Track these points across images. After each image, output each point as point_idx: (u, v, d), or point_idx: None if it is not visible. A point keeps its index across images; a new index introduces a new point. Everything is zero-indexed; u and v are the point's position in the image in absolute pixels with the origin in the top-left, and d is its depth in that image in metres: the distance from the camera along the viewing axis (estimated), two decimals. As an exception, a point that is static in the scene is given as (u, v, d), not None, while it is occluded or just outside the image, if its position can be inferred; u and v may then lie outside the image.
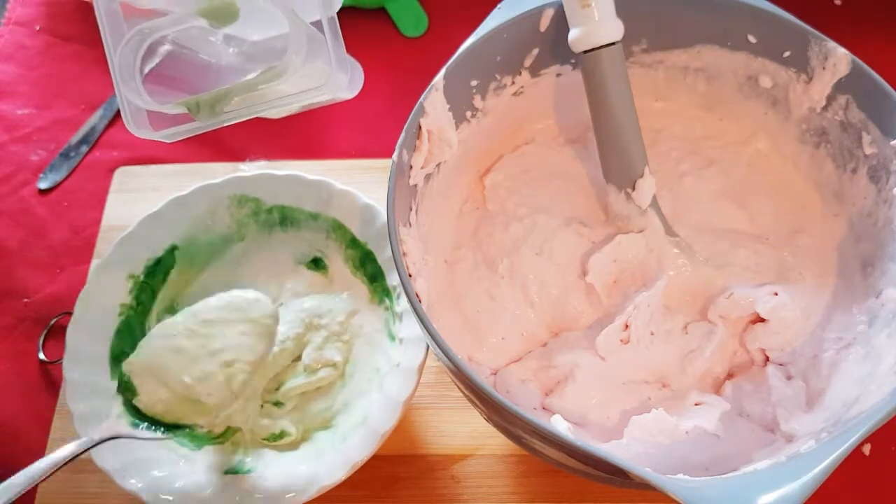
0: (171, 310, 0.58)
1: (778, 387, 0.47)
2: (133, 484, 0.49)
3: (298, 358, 0.55)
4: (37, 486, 0.56)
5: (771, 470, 0.38)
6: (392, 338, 0.55)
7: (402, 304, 0.54)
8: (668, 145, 0.56)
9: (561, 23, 0.50)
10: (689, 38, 0.53)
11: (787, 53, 0.51)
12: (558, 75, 0.54)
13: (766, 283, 0.50)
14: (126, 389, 0.49)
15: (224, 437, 0.54)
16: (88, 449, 0.47)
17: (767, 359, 0.49)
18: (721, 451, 0.44)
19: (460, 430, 0.57)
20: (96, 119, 0.73)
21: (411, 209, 0.48)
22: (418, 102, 0.47)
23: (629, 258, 0.51)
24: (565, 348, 0.49)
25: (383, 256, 0.56)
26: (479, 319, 0.50)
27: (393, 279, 0.56)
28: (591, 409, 0.47)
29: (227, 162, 0.69)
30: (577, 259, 0.51)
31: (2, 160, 0.71)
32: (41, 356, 0.61)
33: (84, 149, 0.71)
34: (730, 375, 0.49)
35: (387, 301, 0.56)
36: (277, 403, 0.55)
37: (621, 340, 0.48)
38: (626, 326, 0.48)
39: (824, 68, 0.49)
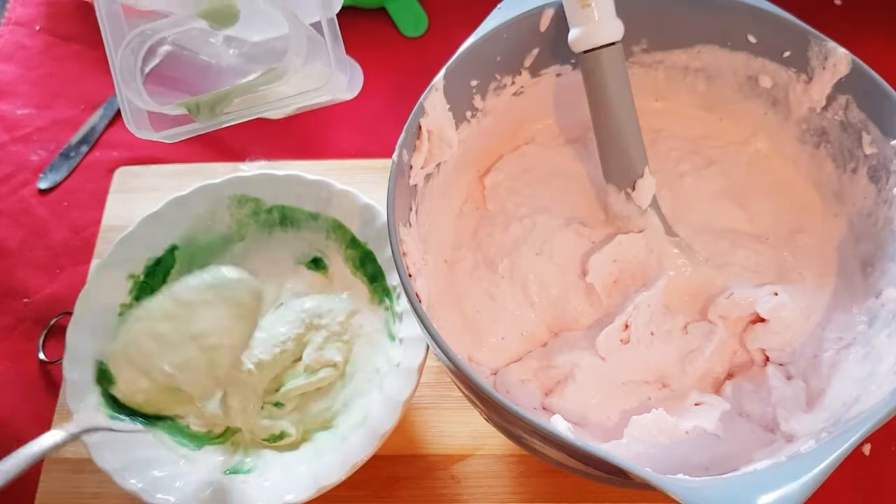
0: None
1: (778, 387, 0.47)
2: (133, 484, 0.49)
3: (299, 359, 0.55)
4: (37, 486, 0.56)
5: (771, 470, 0.38)
6: (392, 338, 0.55)
7: (402, 304, 0.54)
8: (668, 145, 0.56)
9: (561, 23, 0.50)
10: (689, 38, 0.53)
11: (787, 53, 0.51)
12: (558, 75, 0.54)
13: (766, 283, 0.50)
14: (103, 379, 0.47)
15: (224, 437, 0.54)
16: (64, 444, 0.44)
17: (767, 359, 0.49)
18: (721, 451, 0.44)
19: (460, 430, 0.57)
20: (96, 119, 0.73)
21: (411, 209, 0.48)
22: (418, 102, 0.47)
23: (629, 258, 0.51)
24: (565, 348, 0.49)
25: (383, 256, 0.56)
26: (479, 319, 0.50)
27: (393, 279, 0.56)
28: (591, 409, 0.47)
29: (227, 162, 0.69)
30: (577, 259, 0.51)
31: (2, 160, 0.71)
32: (41, 356, 0.61)
33: (84, 149, 0.71)
34: (730, 375, 0.49)
35: (387, 301, 0.56)
36: (278, 404, 0.55)
37: (621, 340, 0.48)
38: (626, 326, 0.48)
39: (824, 68, 0.49)
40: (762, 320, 0.49)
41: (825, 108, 0.51)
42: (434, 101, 0.47)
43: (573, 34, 0.49)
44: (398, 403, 0.50)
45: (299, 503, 0.48)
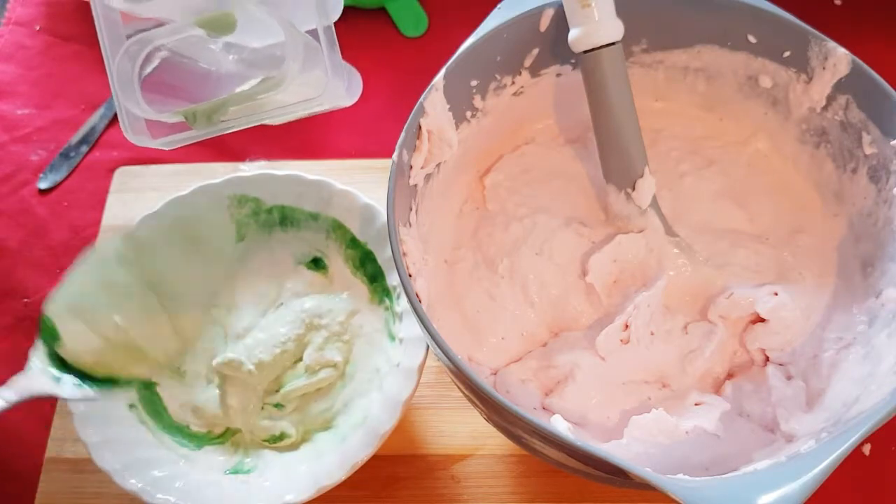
0: None
1: (778, 387, 0.47)
2: (133, 484, 0.49)
3: (299, 359, 0.55)
4: (37, 486, 0.56)
5: (771, 470, 0.38)
6: (392, 338, 0.55)
7: (402, 304, 0.54)
8: (668, 145, 0.56)
9: (561, 23, 0.50)
10: (689, 38, 0.53)
11: (787, 53, 0.51)
12: (558, 75, 0.54)
13: (766, 283, 0.50)
14: (48, 335, 0.39)
15: (224, 437, 0.54)
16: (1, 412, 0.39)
17: (767, 359, 0.49)
18: (721, 451, 0.44)
19: (460, 430, 0.57)
20: (96, 119, 0.73)
21: (411, 209, 0.48)
22: (418, 102, 0.47)
23: (629, 258, 0.51)
24: (565, 348, 0.49)
25: (383, 256, 0.56)
26: (479, 319, 0.50)
27: (393, 279, 0.56)
28: (591, 409, 0.47)
29: (227, 162, 0.69)
30: (577, 259, 0.51)
31: (2, 160, 0.71)
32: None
33: (84, 149, 0.71)
34: (730, 375, 0.49)
35: (387, 301, 0.56)
36: (278, 405, 0.55)
37: (621, 340, 0.48)
38: (626, 326, 0.48)
39: (824, 68, 0.49)
40: (762, 320, 0.49)
41: (825, 108, 0.51)
42: (434, 101, 0.47)
43: (573, 34, 0.49)
44: (398, 403, 0.50)
45: (299, 503, 0.48)
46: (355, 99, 0.44)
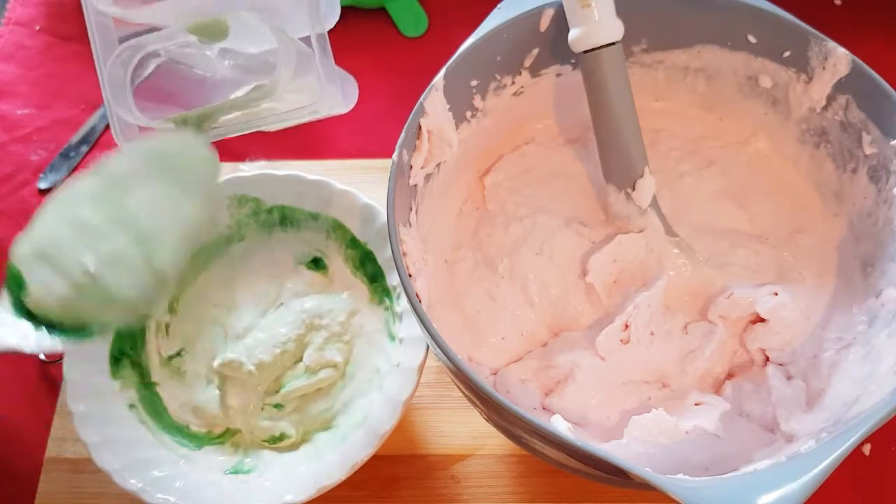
0: (171, 310, 0.58)
1: (778, 387, 0.47)
2: (133, 484, 0.49)
3: (299, 359, 0.55)
4: (37, 486, 0.56)
5: (771, 470, 0.38)
6: (392, 338, 0.55)
7: (402, 304, 0.54)
8: (668, 145, 0.56)
9: (561, 23, 0.50)
10: (689, 38, 0.53)
11: (787, 53, 0.51)
12: (558, 75, 0.54)
13: (766, 283, 0.50)
14: (13, 284, 0.36)
15: (224, 437, 0.54)
16: None
17: (767, 359, 0.49)
18: (721, 451, 0.44)
19: (460, 430, 0.57)
20: (96, 119, 0.73)
21: (411, 209, 0.48)
22: (418, 102, 0.47)
23: (629, 258, 0.51)
24: (565, 348, 0.49)
25: (383, 256, 0.56)
26: (479, 319, 0.50)
27: (393, 279, 0.56)
28: (591, 409, 0.47)
29: (228, 162, 0.69)
30: (577, 259, 0.51)
31: (2, 160, 0.71)
32: (41, 356, 0.61)
33: (84, 149, 0.71)
34: (730, 375, 0.49)
35: (387, 301, 0.56)
36: (277, 405, 0.55)
37: (621, 340, 0.48)
38: (626, 326, 0.48)
39: (824, 68, 0.49)
40: (762, 320, 0.49)
41: (825, 108, 0.51)
42: (434, 101, 0.47)
43: (573, 34, 0.49)
44: (398, 403, 0.50)
45: (299, 503, 0.48)
46: (351, 106, 0.44)
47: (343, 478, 0.49)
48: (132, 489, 0.49)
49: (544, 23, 0.50)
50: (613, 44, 0.48)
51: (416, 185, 0.48)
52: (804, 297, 0.49)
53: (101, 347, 0.55)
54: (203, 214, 0.37)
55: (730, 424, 0.46)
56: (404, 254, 0.44)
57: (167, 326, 0.57)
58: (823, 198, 0.53)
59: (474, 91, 0.51)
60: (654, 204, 0.51)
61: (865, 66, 0.48)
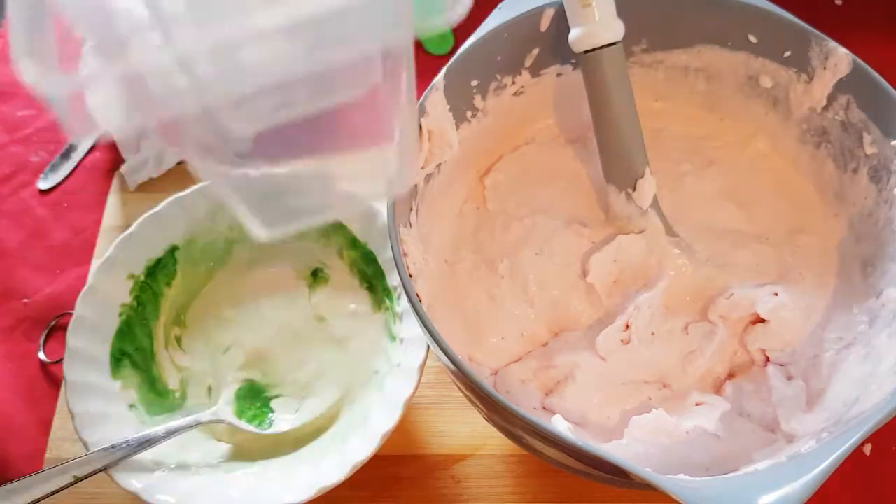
0: (179, 321, 0.58)
1: (778, 387, 0.47)
2: (133, 484, 0.49)
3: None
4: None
5: (771, 470, 0.38)
6: (392, 338, 0.55)
7: (402, 305, 0.54)
8: (669, 145, 0.56)
9: (561, 23, 0.50)
10: (689, 38, 0.53)
11: (787, 53, 0.51)
12: (559, 75, 0.54)
13: (766, 284, 0.50)
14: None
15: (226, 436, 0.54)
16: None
17: (768, 359, 0.49)
18: (721, 451, 0.44)
19: (460, 430, 0.57)
20: (96, 119, 0.73)
21: (411, 209, 0.48)
22: (419, 102, 0.47)
23: (630, 258, 0.51)
24: (565, 348, 0.49)
25: (384, 257, 0.56)
26: (479, 319, 0.50)
27: (393, 279, 0.56)
28: (592, 410, 0.47)
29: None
30: (577, 259, 0.51)
31: (2, 161, 0.71)
32: (41, 356, 0.61)
33: (84, 149, 0.71)
34: (730, 375, 0.49)
35: (387, 301, 0.56)
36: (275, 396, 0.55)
37: (622, 341, 0.48)
38: (627, 327, 0.48)
39: (825, 68, 0.49)
40: (762, 320, 0.49)
41: (826, 108, 0.51)
42: (434, 101, 0.47)
43: (574, 34, 0.49)
44: (398, 403, 0.50)
45: (299, 503, 0.48)
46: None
47: (343, 478, 0.49)
48: (132, 489, 0.49)
49: (545, 23, 0.50)
50: (614, 44, 0.48)
51: (416, 185, 0.48)
52: (804, 298, 0.49)
53: (101, 348, 0.55)
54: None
55: (730, 424, 0.46)
56: (405, 254, 0.44)
57: (178, 339, 0.58)
58: (824, 198, 0.53)
59: (475, 91, 0.51)
60: (655, 204, 0.51)
61: (866, 66, 0.48)
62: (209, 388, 0.56)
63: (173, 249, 0.58)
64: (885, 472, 0.55)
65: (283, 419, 0.54)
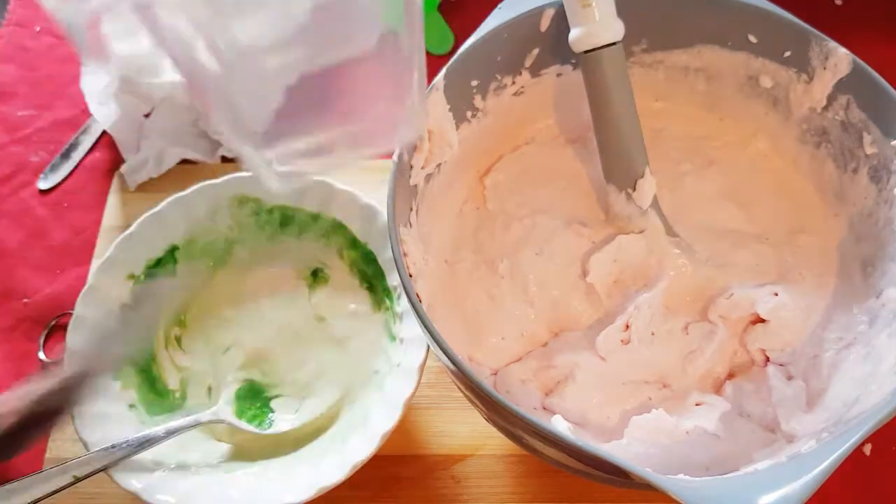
0: (179, 321, 0.58)
1: (778, 387, 0.47)
2: (133, 484, 0.49)
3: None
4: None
5: (772, 470, 0.38)
6: (392, 338, 0.55)
7: (402, 305, 0.54)
8: (669, 145, 0.56)
9: (561, 23, 0.50)
10: (689, 38, 0.53)
11: (787, 53, 0.51)
12: (559, 75, 0.54)
13: (766, 284, 0.50)
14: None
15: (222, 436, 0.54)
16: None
17: (768, 359, 0.49)
18: (721, 451, 0.44)
19: (460, 430, 0.57)
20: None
21: (411, 209, 0.48)
22: (418, 102, 0.47)
23: (630, 258, 0.51)
24: (565, 348, 0.49)
25: (384, 257, 0.56)
26: (479, 319, 0.50)
27: (393, 279, 0.56)
28: (592, 410, 0.47)
29: (228, 162, 0.69)
30: (577, 259, 0.51)
31: (2, 161, 0.71)
32: (41, 356, 0.61)
33: (84, 149, 0.71)
34: (730, 375, 0.49)
35: (387, 301, 0.56)
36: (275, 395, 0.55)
37: (622, 341, 0.48)
38: (627, 327, 0.48)
39: (825, 68, 0.49)
40: (762, 320, 0.49)
41: (826, 108, 0.51)
42: (434, 101, 0.47)
43: (574, 34, 0.49)
44: (398, 403, 0.50)
45: (299, 503, 0.48)
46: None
47: (343, 478, 0.49)
48: (132, 489, 0.49)
49: (544, 23, 0.50)
50: (614, 44, 0.48)
51: (416, 185, 0.48)
52: (804, 298, 0.49)
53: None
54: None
55: (730, 424, 0.46)
56: (405, 254, 0.44)
57: (178, 339, 0.58)
58: (824, 198, 0.53)
59: (475, 91, 0.51)
60: (655, 204, 0.51)
61: (866, 66, 0.48)
62: (209, 388, 0.56)
63: (173, 249, 0.58)
64: (885, 472, 0.55)
65: (283, 419, 0.54)
